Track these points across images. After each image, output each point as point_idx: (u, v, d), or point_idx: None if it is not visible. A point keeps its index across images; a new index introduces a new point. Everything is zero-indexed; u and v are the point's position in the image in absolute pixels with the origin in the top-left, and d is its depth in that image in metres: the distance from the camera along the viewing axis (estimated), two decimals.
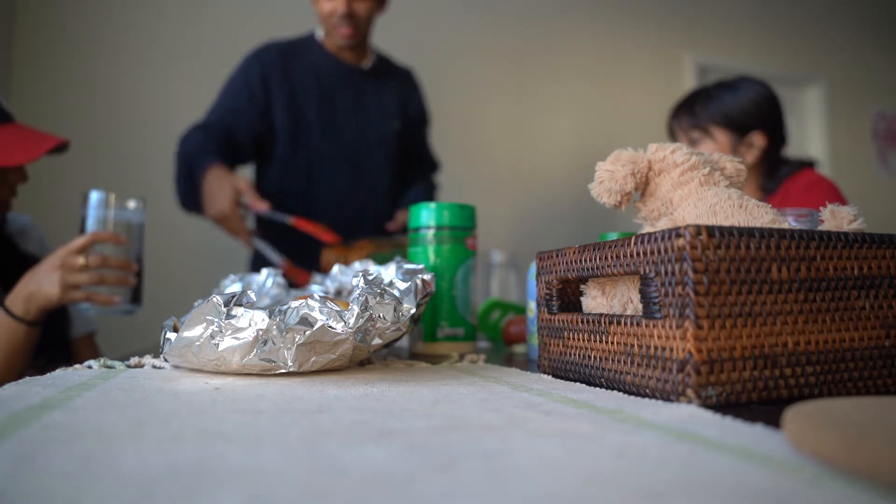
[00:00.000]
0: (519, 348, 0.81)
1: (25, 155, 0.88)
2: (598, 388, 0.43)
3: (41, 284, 0.78)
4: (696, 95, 1.24)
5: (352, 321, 0.48)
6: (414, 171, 1.52)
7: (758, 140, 1.19)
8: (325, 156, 1.36)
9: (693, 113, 1.22)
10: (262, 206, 1.14)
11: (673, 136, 1.27)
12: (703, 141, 1.20)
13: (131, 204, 0.87)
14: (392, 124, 1.43)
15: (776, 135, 1.21)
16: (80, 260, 0.79)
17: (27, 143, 0.89)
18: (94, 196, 0.84)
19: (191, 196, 1.22)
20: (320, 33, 1.41)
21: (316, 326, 0.46)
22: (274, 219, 1.18)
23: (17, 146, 0.88)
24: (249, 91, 1.33)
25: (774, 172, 1.22)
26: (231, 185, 1.13)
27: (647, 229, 0.51)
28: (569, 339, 0.49)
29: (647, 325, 0.39)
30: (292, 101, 1.34)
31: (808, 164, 1.23)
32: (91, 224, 0.84)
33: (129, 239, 0.86)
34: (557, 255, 0.51)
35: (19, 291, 0.80)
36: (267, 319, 0.46)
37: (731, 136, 1.19)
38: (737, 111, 1.18)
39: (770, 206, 0.46)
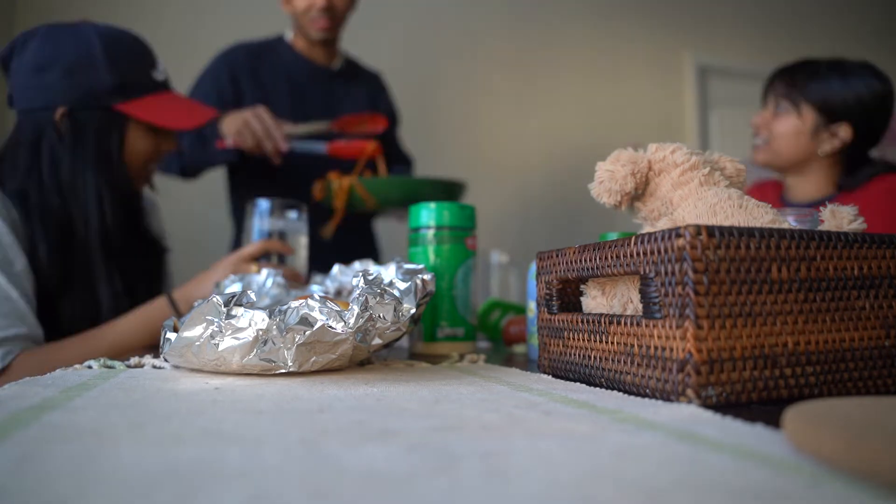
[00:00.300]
0: (519, 348, 0.81)
1: (189, 120, 0.89)
2: (598, 388, 0.43)
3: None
4: (804, 67, 1.16)
5: (352, 321, 0.48)
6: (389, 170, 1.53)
7: (843, 132, 1.12)
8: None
9: (793, 84, 1.15)
10: (285, 144, 1.14)
11: (764, 96, 1.21)
12: (788, 113, 1.14)
13: (292, 214, 0.87)
14: None
15: (869, 133, 1.14)
16: (254, 267, 0.79)
17: (188, 111, 0.91)
18: (263, 204, 0.84)
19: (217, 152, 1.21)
20: (289, 35, 1.41)
21: (316, 326, 0.46)
22: (306, 151, 1.17)
23: (180, 112, 0.89)
24: (219, 94, 1.32)
25: (857, 171, 1.15)
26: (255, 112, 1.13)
27: (647, 229, 0.51)
28: (569, 339, 0.49)
29: (647, 325, 0.39)
30: (264, 102, 1.33)
31: (894, 169, 1.16)
32: (257, 232, 0.84)
33: (297, 249, 0.86)
34: (557, 255, 0.51)
35: (190, 292, 0.80)
36: (267, 319, 0.46)
37: (820, 119, 1.13)
38: (837, 100, 1.11)
39: (770, 205, 0.46)
